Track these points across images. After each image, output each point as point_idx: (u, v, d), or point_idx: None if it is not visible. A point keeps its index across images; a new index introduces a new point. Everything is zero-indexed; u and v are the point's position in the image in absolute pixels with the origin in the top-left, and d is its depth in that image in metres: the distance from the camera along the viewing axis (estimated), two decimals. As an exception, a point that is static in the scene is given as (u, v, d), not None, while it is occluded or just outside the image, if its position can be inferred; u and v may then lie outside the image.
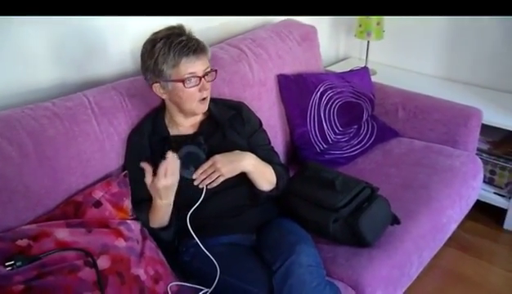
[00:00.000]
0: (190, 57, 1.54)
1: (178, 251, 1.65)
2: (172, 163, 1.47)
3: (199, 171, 1.57)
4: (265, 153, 1.76)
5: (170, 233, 1.61)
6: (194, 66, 1.55)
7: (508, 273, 2.28)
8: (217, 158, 1.57)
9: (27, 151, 1.45)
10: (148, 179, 1.49)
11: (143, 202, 1.58)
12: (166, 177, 1.46)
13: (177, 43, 1.52)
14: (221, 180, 1.58)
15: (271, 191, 1.69)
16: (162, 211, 1.56)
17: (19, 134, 1.46)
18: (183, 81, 1.55)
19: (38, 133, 1.49)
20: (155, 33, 1.58)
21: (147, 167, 1.48)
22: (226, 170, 1.57)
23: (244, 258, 1.56)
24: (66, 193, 1.53)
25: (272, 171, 1.70)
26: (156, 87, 1.60)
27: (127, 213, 1.54)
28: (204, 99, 1.61)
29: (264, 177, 1.67)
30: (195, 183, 1.57)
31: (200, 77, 1.57)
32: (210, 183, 1.57)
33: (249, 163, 1.63)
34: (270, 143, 1.84)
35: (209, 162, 1.57)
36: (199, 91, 1.58)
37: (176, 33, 1.56)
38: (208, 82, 1.61)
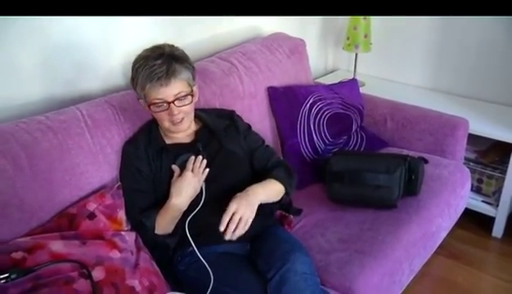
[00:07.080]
0: (154, 84, 1.53)
1: (173, 261, 1.66)
2: (198, 163, 1.60)
3: (225, 223, 1.49)
4: (262, 153, 1.82)
5: (174, 240, 1.62)
6: (159, 93, 1.54)
7: (497, 279, 2.31)
8: (234, 206, 1.50)
9: (21, 164, 1.46)
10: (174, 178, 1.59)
11: (149, 209, 1.60)
12: (193, 172, 1.58)
13: (148, 67, 1.53)
14: (249, 222, 1.53)
15: (282, 198, 1.73)
16: (173, 215, 1.58)
17: (12, 147, 1.46)
18: (150, 105, 1.58)
19: (31, 146, 1.49)
20: (143, 51, 1.59)
21: (177, 170, 1.60)
22: (249, 212, 1.53)
23: (238, 267, 1.56)
24: (61, 205, 1.53)
25: (278, 185, 1.70)
26: (141, 103, 1.64)
27: (121, 224, 1.55)
28: (179, 121, 1.61)
29: (275, 194, 1.70)
30: (227, 237, 1.50)
31: (169, 103, 1.56)
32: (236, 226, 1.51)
33: (260, 193, 1.61)
34: (264, 142, 1.88)
35: (229, 213, 1.49)
36: (169, 115, 1.58)
37: (153, 55, 1.55)
38: (179, 106, 1.58)
